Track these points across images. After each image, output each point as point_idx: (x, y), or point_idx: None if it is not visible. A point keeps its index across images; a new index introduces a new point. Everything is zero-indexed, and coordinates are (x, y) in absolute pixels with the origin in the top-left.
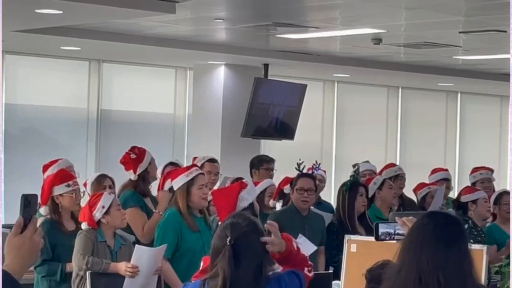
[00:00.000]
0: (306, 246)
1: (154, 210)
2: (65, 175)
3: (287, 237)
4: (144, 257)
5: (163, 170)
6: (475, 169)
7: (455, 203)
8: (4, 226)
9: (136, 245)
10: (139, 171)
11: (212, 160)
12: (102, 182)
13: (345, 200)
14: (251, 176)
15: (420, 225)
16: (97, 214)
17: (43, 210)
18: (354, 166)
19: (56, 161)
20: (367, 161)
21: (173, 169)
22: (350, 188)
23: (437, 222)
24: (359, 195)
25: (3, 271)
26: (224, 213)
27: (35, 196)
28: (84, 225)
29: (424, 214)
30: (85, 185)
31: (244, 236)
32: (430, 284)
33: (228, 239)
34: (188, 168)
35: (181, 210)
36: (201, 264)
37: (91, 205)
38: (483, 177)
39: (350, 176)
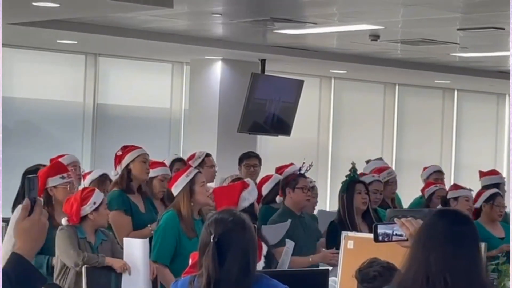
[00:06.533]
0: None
1: (142, 211)
2: (60, 167)
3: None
4: (135, 248)
5: (172, 166)
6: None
7: (442, 200)
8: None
9: (124, 238)
10: (119, 169)
11: (208, 155)
12: (103, 184)
13: (343, 201)
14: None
15: (429, 224)
16: (87, 208)
17: None
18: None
19: (62, 155)
20: (380, 158)
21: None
22: (347, 188)
23: (447, 221)
24: (357, 193)
25: (15, 253)
26: None
27: (37, 178)
28: (64, 221)
29: (434, 213)
30: (84, 176)
31: (229, 232)
32: (437, 285)
33: (212, 236)
34: (184, 170)
35: (183, 212)
36: (190, 261)
37: (83, 198)
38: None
39: (346, 176)
